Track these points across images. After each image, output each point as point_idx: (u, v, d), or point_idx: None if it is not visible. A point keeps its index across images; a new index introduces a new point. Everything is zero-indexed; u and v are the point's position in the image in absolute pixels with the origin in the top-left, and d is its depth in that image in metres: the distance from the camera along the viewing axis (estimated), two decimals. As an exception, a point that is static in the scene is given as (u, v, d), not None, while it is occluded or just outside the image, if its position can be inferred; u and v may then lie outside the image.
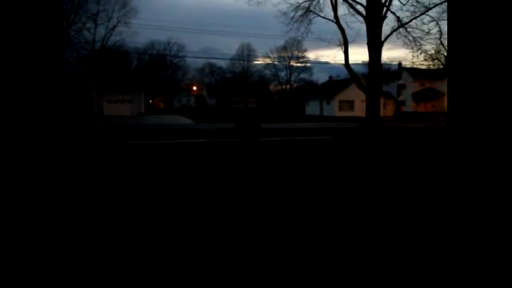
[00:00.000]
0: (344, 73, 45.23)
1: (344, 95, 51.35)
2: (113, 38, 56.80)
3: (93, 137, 15.68)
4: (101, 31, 58.58)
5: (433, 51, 28.74)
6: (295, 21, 28.60)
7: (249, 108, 71.10)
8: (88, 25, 53.58)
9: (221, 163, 9.28)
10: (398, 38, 28.32)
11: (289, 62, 75.35)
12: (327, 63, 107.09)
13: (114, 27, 55.75)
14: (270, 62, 76.15)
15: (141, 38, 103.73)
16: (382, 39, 27.15)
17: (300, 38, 50.89)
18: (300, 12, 28.37)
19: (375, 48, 26.84)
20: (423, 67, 38.25)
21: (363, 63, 53.10)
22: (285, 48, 72.98)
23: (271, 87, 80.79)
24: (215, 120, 35.89)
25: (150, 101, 62.88)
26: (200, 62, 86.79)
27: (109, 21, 55.32)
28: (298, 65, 76.26)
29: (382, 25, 26.87)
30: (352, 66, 29.73)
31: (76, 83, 38.89)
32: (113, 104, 41.05)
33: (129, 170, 8.21)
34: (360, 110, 43.39)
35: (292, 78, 77.23)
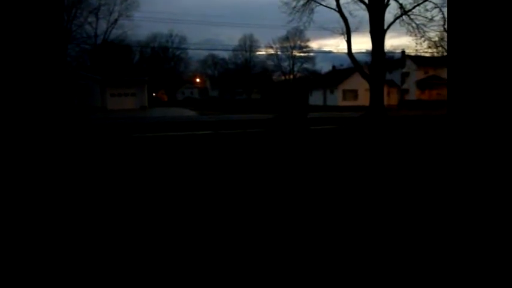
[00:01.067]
0: (347, 62, 44.95)
1: (347, 84, 51.13)
2: (115, 32, 56.74)
3: (98, 132, 15.74)
4: (103, 25, 58.51)
5: (436, 38, 28.46)
6: (297, 11, 28.48)
7: (253, 99, 70.92)
8: (90, 19, 53.49)
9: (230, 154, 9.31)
10: (401, 26, 28.04)
11: (292, 52, 75.04)
12: (330, 52, 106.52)
13: (116, 20, 55.64)
14: (272, 52, 75.85)
15: (143, 30, 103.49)
16: (385, 27, 26.97)
17: (302, 27, 50.80)
18: (301, 2, 28.24)
19: (377, 36, 26.67)
20: (427, 55, 37.97)
21: (366, 52, 52.75)
22: (287, 38, 72.59)
23: (274, 77, 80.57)
24: (219, 111, 35.87)
25: (154, 94, 62.88)
26: (202, 54, 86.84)
27: (110, 14, 55.19)
28: (301, 54, 75.96)
29: (385, 13, 26.69)
30: (355, 55, 29.60)
31: (79, 77, 38.93)
32: (117, 97, 41.03)
33: (137, 163, 8.26)
34: (363, 99, 43.23)
35: (295, 69, 76.97)
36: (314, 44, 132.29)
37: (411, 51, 46.31)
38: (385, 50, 29.01)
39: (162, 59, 73.26)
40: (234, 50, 76.94)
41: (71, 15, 48.91)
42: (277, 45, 75.72)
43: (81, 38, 52.87)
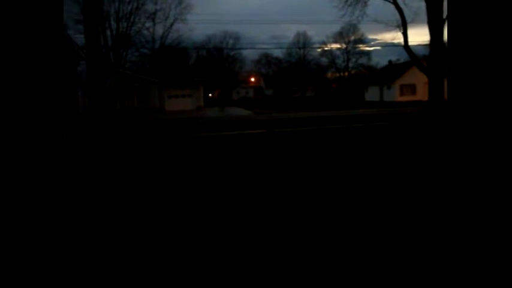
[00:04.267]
0: (404, 56, 43.35)
1: (405, 79, 49.33)
2: (171, 35, 58.51)
3: (154, 131, 16.31)
4: (160, 30, 60.50)
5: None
6: (349, 5, 27.93)
7: (307, 97, 70.29)
8: (147, 25, 55.61)
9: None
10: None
11: (346, 48, 73.52)
12: (385, 46, 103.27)
13: (172, 25, 57.44)
14: (326, 49, 74.69)
15: (198, 32, 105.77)
16: (444, 16, 25.69)
17: (355, 22, 49.63)
18: (354, -5, 27.64)
19: (436, 26, 25.44)
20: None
21: (424, 44, 50.62)
22: (341, 33, 71.29)
23: (329, 74, 79.34)
24: (274, 110, 35.87)
25: (210, 95, 64.02)
26: (256, 53, 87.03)
27: (166, 19, 57.07)
28: (356, 50, 74.17)
29: (443, 1, 25.41)
30: (412, 48, 28.45)
31: (138, 80, 40.55)
32: (174, 98, 42.36)
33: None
34: (422, 93, 41.56)
35: (350, 65, 75.33)
36: (369, 39, 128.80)
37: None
38: (445, 41, 27.65)
39: (217, 60, 74.42)
40: (287, 47, 76.60)
41: (129, 22, 51.20)
42: (331, 41, 74.44)
43: (140, 43, 55.19)
